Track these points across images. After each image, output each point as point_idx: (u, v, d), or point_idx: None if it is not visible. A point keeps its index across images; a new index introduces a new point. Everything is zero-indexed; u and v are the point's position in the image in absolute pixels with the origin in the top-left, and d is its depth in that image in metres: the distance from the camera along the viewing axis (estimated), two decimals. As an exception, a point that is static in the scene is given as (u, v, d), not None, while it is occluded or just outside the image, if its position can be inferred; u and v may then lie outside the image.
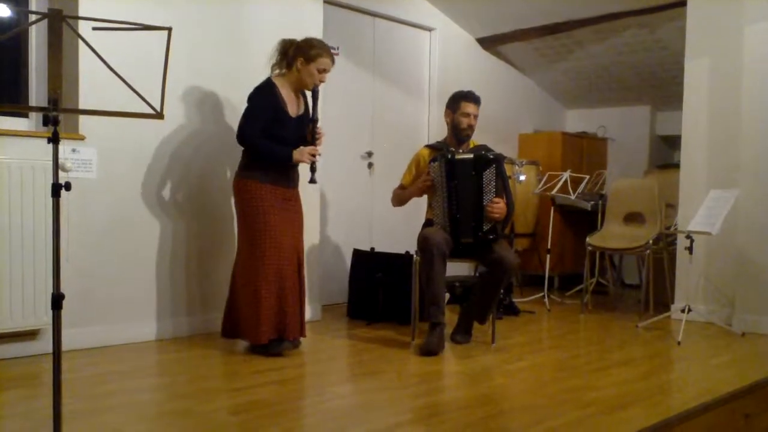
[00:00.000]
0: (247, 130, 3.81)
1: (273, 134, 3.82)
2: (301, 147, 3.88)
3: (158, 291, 4.19)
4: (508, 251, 4.19)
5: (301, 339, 3.99)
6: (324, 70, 3.91)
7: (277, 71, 3.94)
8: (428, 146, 4.58)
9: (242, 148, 3.90)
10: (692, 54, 5.30)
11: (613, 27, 6.01)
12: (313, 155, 3.90)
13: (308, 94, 4.04)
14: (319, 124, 4.00)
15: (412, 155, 4.59)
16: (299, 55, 3.87)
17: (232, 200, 4.03)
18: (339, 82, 5.34)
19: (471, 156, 4.13)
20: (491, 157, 4.10)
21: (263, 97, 3.83)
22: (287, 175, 3.93)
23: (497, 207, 4.05)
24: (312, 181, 3.96)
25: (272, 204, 3.81)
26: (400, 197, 4.48)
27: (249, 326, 3.79)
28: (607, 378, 3.55)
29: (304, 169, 4.01)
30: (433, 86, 6.24)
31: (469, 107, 4.36)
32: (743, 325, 4.79)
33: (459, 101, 4.40)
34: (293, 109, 3.92)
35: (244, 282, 3.82)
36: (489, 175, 4.07)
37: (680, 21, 5.48)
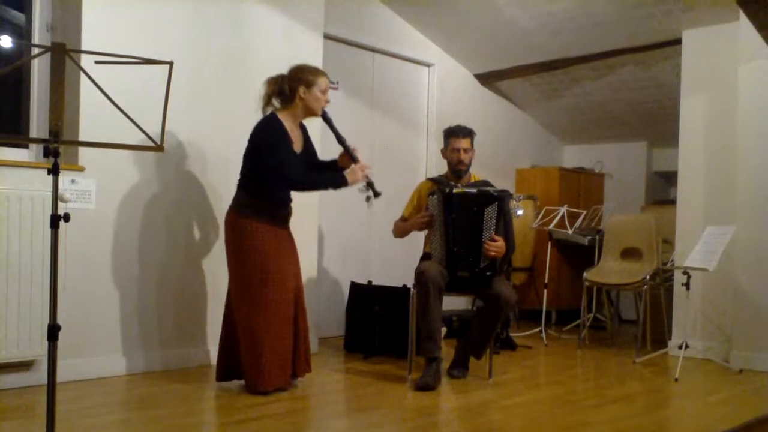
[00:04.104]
0: (291, 173, 3.65)
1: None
2: (352, 167, 3.82)
3: (155, 323, 4.17)
4: (507, 287, 4.17)
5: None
6: (326, 91, 3.82)
7: (278, 107, 3.84)
8: (430, 179, 4.60)
9: (238, 184, 3.81)
10: (687, 92, 5.37)
11: (609, 64, 6.09)
12: (365, 171, 3.83)
13: (312, 127, 4.00)
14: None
15: (410, 188, 4.62)
16: (299, 85, 3.76)
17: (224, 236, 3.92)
18: (338, 115, 5.35)
19: (474, 191, 4.12)
20: (494, 194, 4.08)
21: (280, 134, 3.70)
22: (282, 215, 3.82)
23: (494, 245, 4.03)
24: (376, 194, 3.88)
25: (271, 244, 3.69)
26: (401, 229, 4.47)
27: (252, 374, 3.64)
28: (604, 414, 3.53)
29: (296, 208, 3.96)
30: (432, 121, 6.30)
31: (457, 142, 4.37)
32: (741, 362, 4.77)
33: (448, 138, 4.43)
34: (297, 145, 3.81)
35: (246, 328, 3.66)
36: (490, 212, 4.05)
37: (676, 59, 5.56)
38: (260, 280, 3.64)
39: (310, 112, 3.84)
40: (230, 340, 3.80)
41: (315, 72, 3.83)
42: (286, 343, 3.72)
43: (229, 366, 3.80)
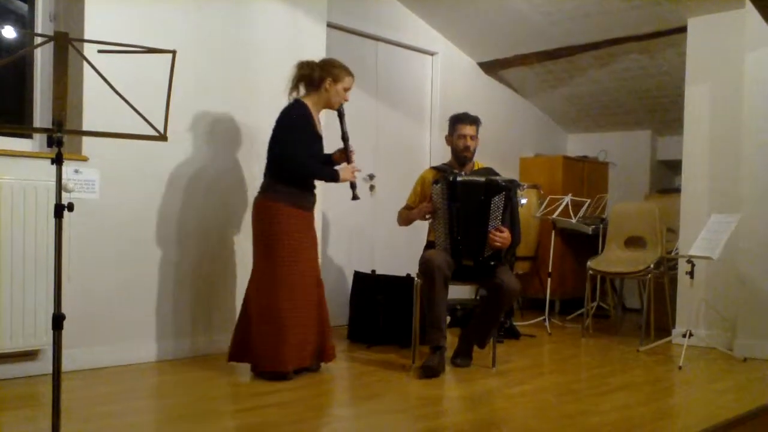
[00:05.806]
0: (299, 157, 3.79)
1: (309, 155, 3.89)
2: (344, 165, 3.99)
3: (160, 312, 4.18)
4: (510, 276, 4.16)
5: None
6: (348, 89, 4.00)
7: (303, 93, 3.96)
8: (433, 168, 4.60)
9: (264, 170, 3.91)
10: (692, 79, 5.34)
11: (613, 52, 6.06)
12: (355, 172, 4.01)
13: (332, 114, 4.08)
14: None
15: (413, 177, 4.62)
16: (327, 76, 3.91)
17: (250, 221, 3.99)
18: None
19: (482, 180, 4.11)
20: (503, 184, 4.07)
21: (304, 120, 3.85)
22: (309, 200, 3.93)
23: (500, 236, 4.02)
24: (355, 197, 4.00)
25: (297, 228, 3.80)
26: (406, 217, 4.48)
27: (270, 355, 3.71)
28: (608, 403, 3.54)
29: (320, 192, 4.03)
30: (435, 109, 6.28)
31: (465, 129, 4.36)
32: (745, 350, 4.77)
33: (455, 124, 4.42)
34: (320, 129, 3.99)
35: (266, 308, 3.74)
36: (498, 201, 4.05)
37: (681, 47, 5.53)
38: (289, 262, 3.76)
39: (328, 105, 3.99)
40: (248, 323, 3.85)
41: (344, 70, 3.97)
42: (309, 326, 3.82)
43: (244, 348, 3.85)
